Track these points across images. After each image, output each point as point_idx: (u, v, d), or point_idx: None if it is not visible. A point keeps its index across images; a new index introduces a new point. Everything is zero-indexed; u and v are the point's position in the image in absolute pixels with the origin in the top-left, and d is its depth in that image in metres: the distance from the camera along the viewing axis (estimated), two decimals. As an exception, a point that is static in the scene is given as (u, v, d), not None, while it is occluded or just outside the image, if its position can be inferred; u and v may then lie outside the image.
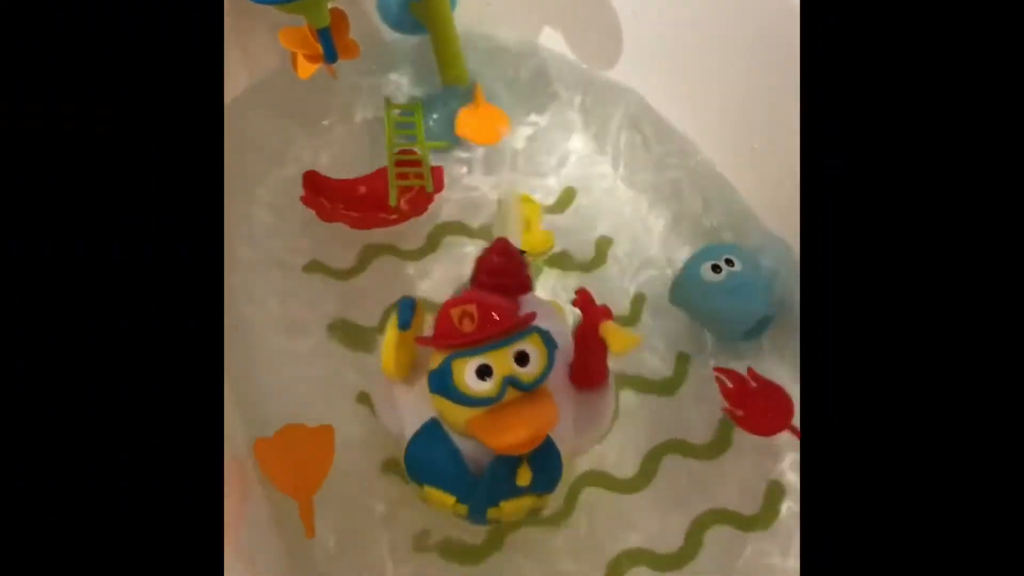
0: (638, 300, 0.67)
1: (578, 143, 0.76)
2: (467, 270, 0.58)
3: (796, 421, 0.58)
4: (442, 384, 0.49)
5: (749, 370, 0.60)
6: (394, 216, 0.68)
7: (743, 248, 0.65)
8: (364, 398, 0.61)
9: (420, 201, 0.69)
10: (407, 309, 0.52)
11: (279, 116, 0.75)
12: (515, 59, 0.79)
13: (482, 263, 0.57)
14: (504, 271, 0.56)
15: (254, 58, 0.74)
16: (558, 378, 0.53)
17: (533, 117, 0.77)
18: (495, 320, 0.49)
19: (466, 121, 0.74)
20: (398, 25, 0.75)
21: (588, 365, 0.54)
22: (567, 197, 0.73)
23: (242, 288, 0.66)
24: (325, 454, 0.54)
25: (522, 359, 0.49)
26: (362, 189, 0.70)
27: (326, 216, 0.68)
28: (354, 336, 0.65)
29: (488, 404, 0.48)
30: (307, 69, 0.69)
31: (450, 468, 0.51)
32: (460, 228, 0.71)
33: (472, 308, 0.49)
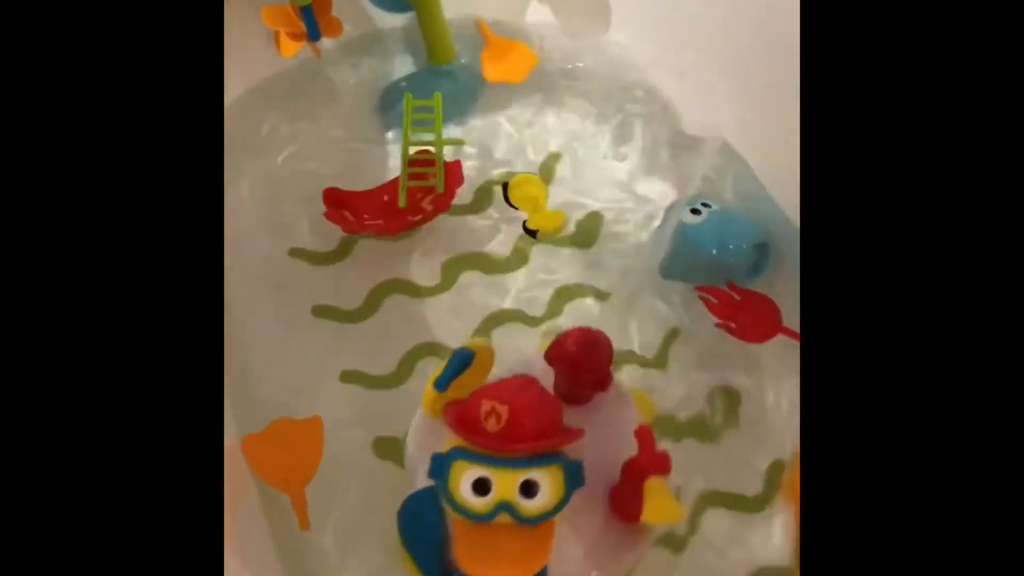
0: (631, 277, 0.66)
1: (573, 121, 0.75)
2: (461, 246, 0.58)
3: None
4: (437, 476, 0.45)
5: (729, 284, 0.61)
6: (419, 217, 0.67)
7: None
8: (348, 377, 0.61)
9: (442, 198, 0.67)
10: (455, 367, 0.48)
11: (266, 107, 0.74)
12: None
13: (558, 348, 0.50)
14: (580, 364, 0.50)
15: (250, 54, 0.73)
16: (597, 490, 0.48)
17: (526, 97, 0.76)
18: (520, 434, 0.44)
19: (491, 65, 0.73)
20: (382, 3, 0.75)
21: (625, 500, 0.48)
22: (557, 171, 0.72)
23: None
24: (314, 445, 0.55)
25: (529, 489, 0.44)
26: (385, 197, 0.68)
27: (350, 228, 0.67)
28: (339, 318, 0.64)
29: (475, 520, 0.43)
30: (290, 48, 0.69)
31: (428, 546, 0.46)
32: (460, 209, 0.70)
33: (504, 410, 0.44)
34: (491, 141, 0.74)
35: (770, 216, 0.65)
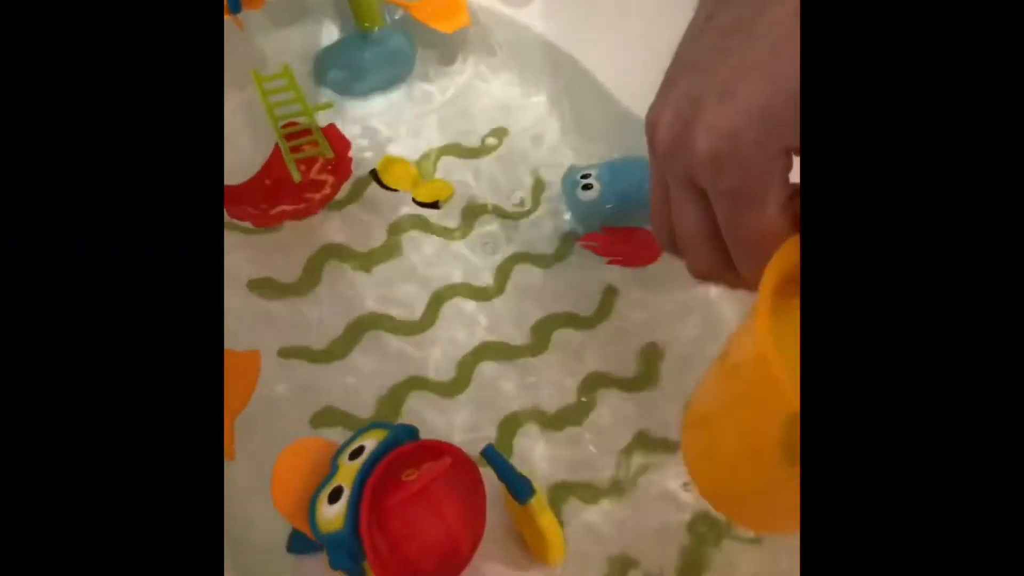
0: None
1: (498, 89, 0.76)
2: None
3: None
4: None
5: (602, 227, 0.64)
6: (325, 191, 0.64)
7: (580, 166, 0.67)
8: (287, 352, 0.60)
9: (339, 165, 0.66)
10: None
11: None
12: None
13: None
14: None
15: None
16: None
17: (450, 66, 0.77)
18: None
19: (421, 6, 0.73)
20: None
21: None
22: (493, 141, 0.73)
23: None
24: (249, 379, 0.55)
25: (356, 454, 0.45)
26: (267, 181, 0.66)
27: (263, 221, 0.63)
28: (273, 291, 0.64)
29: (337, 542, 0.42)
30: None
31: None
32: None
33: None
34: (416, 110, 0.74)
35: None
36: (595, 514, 0.55)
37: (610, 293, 0.64)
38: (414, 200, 0.68)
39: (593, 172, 0.66)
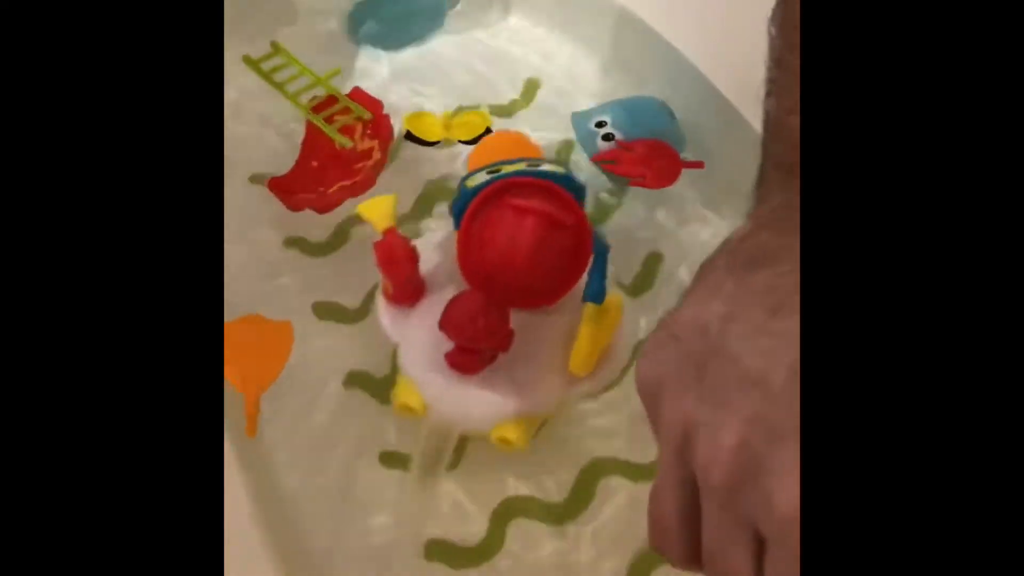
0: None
1: (533, 40, 0.73)
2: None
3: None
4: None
5: (620, 143, 0.62)
6: (378, 155, 0.61)
7: (586, 111, 0.65)
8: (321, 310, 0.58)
9: (378, 127, 0.63)
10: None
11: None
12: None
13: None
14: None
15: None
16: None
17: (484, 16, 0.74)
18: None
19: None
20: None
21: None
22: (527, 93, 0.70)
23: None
24: (281, 350, 0.53)
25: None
26: (314, 163, 0.63)
27: (325, 205, 0.59)
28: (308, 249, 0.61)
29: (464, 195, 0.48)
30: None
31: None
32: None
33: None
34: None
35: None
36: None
37: (653, 259, 0.61)
38: (460, 142, 0.65)
39: (607, 117, 0.63)
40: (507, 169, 0.50)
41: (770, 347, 0.29)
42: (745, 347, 0.30)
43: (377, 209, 0.52)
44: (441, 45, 0.73)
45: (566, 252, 0.49)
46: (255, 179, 0.63)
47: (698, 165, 0.61)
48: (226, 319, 0.52)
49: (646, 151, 0.62)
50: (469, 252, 0.49)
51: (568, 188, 0.49)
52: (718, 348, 0.31)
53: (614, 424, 0.53)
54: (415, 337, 0.50)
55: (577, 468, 0.51)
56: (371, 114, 0.63)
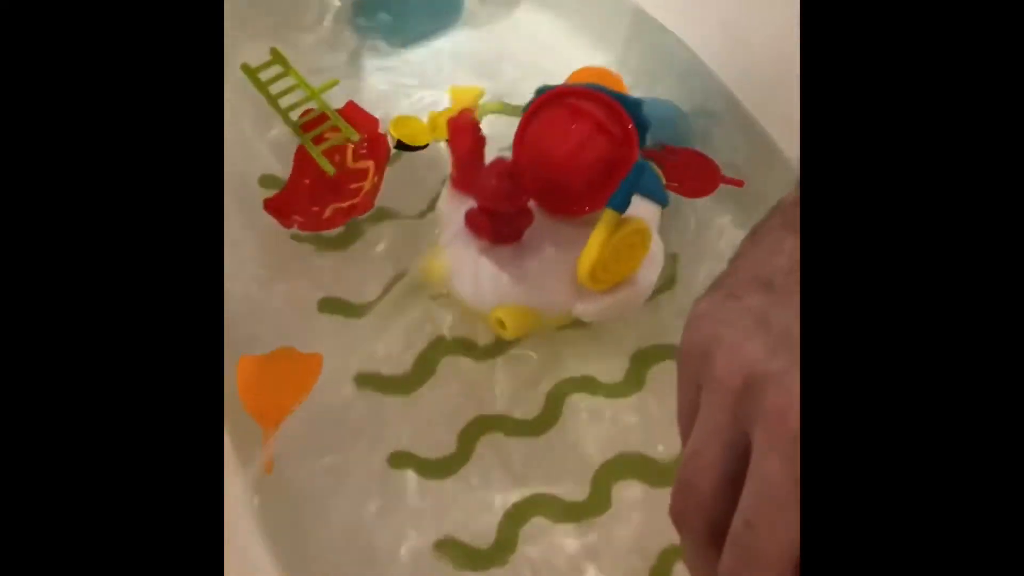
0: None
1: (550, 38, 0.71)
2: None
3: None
4: None
5: (666, 148, 0.60)
6: (373, 182, 0.58)
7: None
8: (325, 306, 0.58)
9: (374, 146, 0.60)
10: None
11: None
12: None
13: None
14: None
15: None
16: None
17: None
18: None
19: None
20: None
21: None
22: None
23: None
24: (305, 382, 0.52)
25: None
26: (306, 181, 0.59)
27: (319, 226, 0.58)
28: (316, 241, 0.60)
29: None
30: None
31: None
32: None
33: None
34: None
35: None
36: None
37: (670, 261, 0.59)
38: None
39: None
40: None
41: None
42: None
43: (467, 94, 0.58)
44: (453, 43, 0.71)
45: (605, 161, 0.50)
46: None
47: (738, 183, 0.59)
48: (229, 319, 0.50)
49: (687, 160, 0.60)
50: (522, 143, 0.51)
51: (630, 111, 0.50)
52: (784, 300, 0.29)
53: (633, 423, 0.52)
54: (458, 214, 0.52)
55: (593, 468, 0.51)
56: (359, 136, 0.60)
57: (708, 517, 0.30)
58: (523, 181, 0.50)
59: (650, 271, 0.52)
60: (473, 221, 0.51)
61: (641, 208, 0.49)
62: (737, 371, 0.29)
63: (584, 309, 0.51)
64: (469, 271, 0.52)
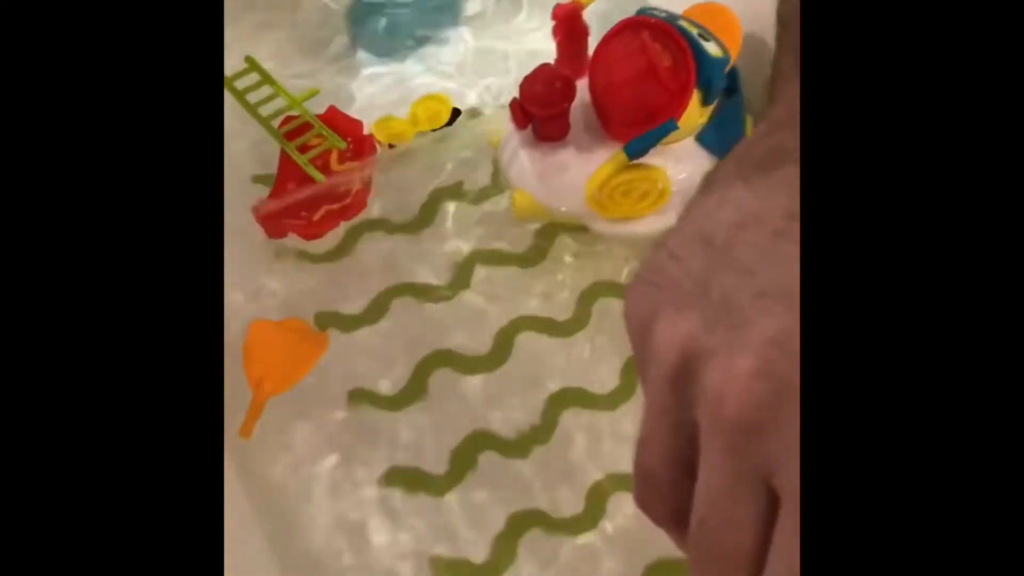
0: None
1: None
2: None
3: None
4: None
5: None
6: (364, 184, 0.58)
7: None
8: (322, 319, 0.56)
9: (361, 147, 0.59)
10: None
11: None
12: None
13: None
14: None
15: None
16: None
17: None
18: None
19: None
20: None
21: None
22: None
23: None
24: (309, 357, 0.52)
25: None
26: (290, 185, 0.57)
27: (313, 232, 0.57)
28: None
29: None
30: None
31: None
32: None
33: None
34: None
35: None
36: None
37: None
38: (432, 130, 0.61)
39: None
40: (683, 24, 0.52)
41: (792, 255, 0.24)
42: (760, 257, 0.25)
43: None
44: (452, 47, 0.69)
45: (653, 105, 0.51)
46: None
47: None
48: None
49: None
50: (596, 54, 0.53)
51: (704, 66, 0.50)
52: (726, 261, 0.25)
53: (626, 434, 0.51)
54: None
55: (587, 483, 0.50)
56: (344, 143, 0.58)
57: (669, 505, 0.27)
58: (591, 87, 0.53)
59: (661, 220, 0.54)
60: (515, 112, 0.54)
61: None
62: (673, 347, 0.25)
63: (596, 225, 0.56)
64: (509, 152, 0.57)
